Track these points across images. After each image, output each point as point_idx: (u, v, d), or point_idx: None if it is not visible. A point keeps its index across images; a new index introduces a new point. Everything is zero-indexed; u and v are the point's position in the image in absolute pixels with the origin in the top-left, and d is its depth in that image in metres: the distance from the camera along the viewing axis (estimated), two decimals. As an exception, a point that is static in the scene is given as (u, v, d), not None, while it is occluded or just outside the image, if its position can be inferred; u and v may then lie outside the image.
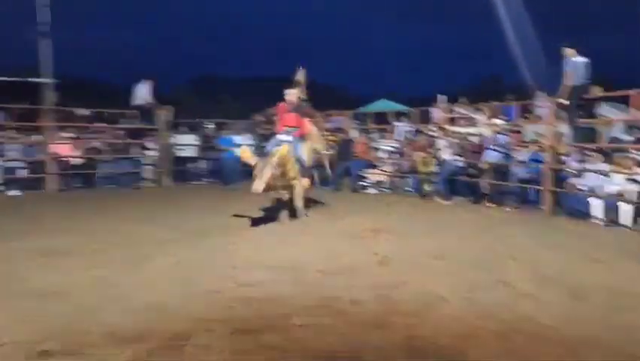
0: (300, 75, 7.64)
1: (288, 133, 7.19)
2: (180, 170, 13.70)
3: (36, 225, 7.10)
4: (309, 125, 7.62)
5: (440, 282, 4.44)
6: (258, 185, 6.22)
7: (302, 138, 7.45)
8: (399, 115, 13.67)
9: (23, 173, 11.61)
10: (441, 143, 10.72)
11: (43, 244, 5.75)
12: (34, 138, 12.04)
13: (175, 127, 13.93)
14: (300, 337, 3.28)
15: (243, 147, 7.84)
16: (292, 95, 7.44)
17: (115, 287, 4.20)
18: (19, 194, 11.00)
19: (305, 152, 7.42)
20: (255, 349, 3.09)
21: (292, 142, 7.06)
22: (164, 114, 13.26)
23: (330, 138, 12.21)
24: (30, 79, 12.64)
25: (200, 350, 3.05)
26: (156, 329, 3.31)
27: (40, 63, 12.57)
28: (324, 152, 8.43)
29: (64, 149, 11.91)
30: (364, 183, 11.86)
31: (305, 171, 7.35)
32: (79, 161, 12.14)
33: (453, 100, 12.59)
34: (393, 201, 10.09)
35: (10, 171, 11.41)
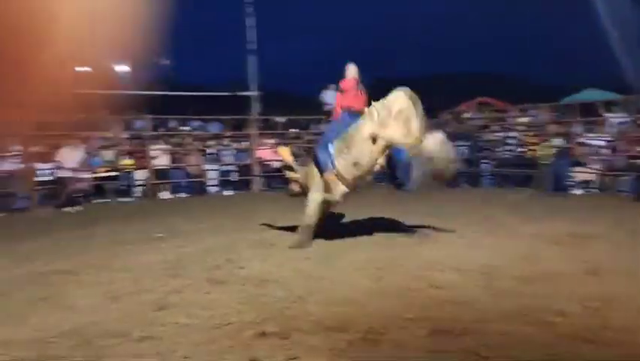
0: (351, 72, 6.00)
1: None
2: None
3: (247, 220, 8.07)
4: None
5: (668, 298, 3.82)
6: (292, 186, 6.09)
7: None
8: (609, 105, 12.08)
9: (235, 175, 13.32)
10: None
11: (254, 237, 6.58)
12: (243, 144, 13.72)
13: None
14: (499, 344, 3.13)
15: (281, 146, 7.08)
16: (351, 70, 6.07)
17: (316, 279, 4.54)
18: (232, 193, 12.67)
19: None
20: (451, 351, 3.05)
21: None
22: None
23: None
24: (239, 92, 14.47)
25: (396, 346, 3.12)
26: (355, 321, 3.49)
27: (248, 77, 14.31)
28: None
29: (267, 153, 13.30)
30: (569, 183, 10.77)
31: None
32: (279, 164, 13.44)
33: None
34: (603, 204, 8.99)
35: (226, 173, 13.19)
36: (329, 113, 13.92)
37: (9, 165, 10.71)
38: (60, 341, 3.28)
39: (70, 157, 10.88)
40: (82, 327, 3.51)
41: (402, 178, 5.81)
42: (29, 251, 6.20)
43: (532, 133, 12.32)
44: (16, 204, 10.66)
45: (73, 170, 10.86)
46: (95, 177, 12.07)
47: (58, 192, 10.68)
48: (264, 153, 13.34)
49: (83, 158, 11.17)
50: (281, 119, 15.11)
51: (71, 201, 10.68)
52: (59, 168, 10.74)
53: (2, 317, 3.80)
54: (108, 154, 12.63)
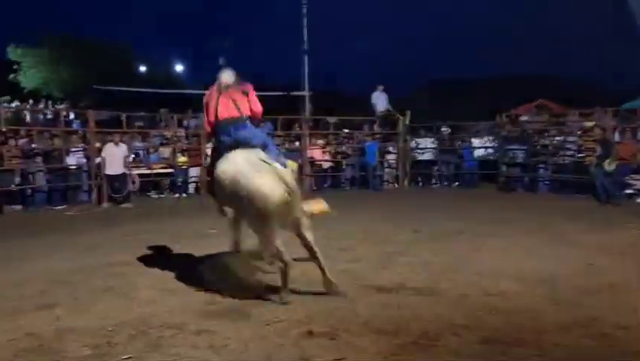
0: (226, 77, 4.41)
1: (235, 127, 4.27)
2: (419, 173, 14.02)
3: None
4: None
5: None
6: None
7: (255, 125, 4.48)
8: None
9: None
10: None
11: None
12: (294, 144, 13.86)
13: (413, 131, 14.29)
14: (555, 356, 3.03)
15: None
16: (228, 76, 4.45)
17: (368, 281, 4.52)
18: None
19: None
20: (505, 361, 2.98)
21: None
22: (403, 119, 13.74)
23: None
24: (292, 92, 14.67)
25: (449, 353, 3.07)
26: (407, 325, 3.45)
27: (301, 78, 14.48)
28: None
29: (317, 153, 13.38)
30: (630, 191, 10.25)
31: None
32: (329, 164, 13.52)
33: None
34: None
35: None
36: (380, 116, 13.94)
37: (74, 160, 11.27)
38: (121, 330, 3.43)
39: (115, 153, 11.00)
40: (141, 317, 3.66)
41: None
42: (93, 244, 6.52)
43: (592, 139, 11.78)
44: (79, 197, 11.22)
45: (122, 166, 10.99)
46: (153, 173, 12.53)
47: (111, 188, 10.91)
48: (315, 153, 13.43)
49: (127, 154, 11.25)
50: (332, 120, 15.18)
51: (121, 197, 10.89)
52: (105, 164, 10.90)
53: (69, 305, 4.02)
54: (165, 151, 13.08)
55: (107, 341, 3.27)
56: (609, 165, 9.70)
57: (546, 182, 12.57)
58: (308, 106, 14.42)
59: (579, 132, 12.28)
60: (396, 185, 13.70)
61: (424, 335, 3.30)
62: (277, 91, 16.57)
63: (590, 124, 12.03)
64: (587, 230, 6.92)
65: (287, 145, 13.75)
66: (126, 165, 11.16)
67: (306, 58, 14.45)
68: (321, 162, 13.48)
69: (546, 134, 13.16)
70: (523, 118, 14.57)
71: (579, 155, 11.92)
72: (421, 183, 14.15)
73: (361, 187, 13.20)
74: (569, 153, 12.16)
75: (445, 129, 14.52)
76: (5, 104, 17.02)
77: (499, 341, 3.21)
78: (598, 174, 9.89)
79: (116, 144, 11.07)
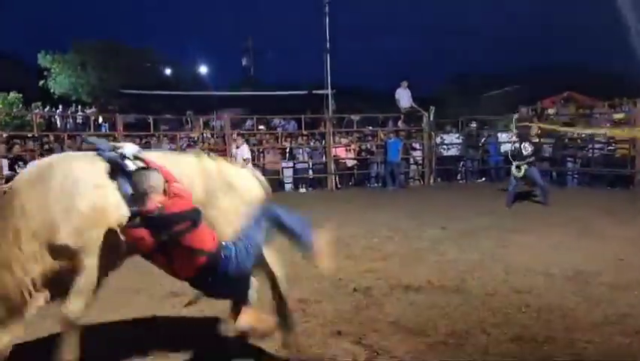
0: None
1: None
2: (445, 169, 13.90)
3: (324, 218, 8.16)
4: None
5: None
6: None
7: None
8: None
9: (309, 173, 13.52)
10: None
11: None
12: (318, 143, 13.90)
13: (439, 127, 14.16)
14: (587, 354, 3.01)
15: None
16: None
17: (392, 278, 4.54)
18: (306, 191, 12.87)
19: None
20: (535, 360, 2.98)
21: None
22: (427, 115, 13.62)
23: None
24: (315, 91, 14.69)
25: (478, 351, 3.07)
26: (435, 324, 3.47)
27: (324, 77, 14.50)
28: None
29: (342, 151, 13.39)
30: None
31: None
32: (353, 162, 13.53)
33: None
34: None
35: (300, 171, 13.44)
36: (405, 112, 13.86)
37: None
38: (151, 332, 3.53)
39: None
40: (171, 320, 3.78)
41: None
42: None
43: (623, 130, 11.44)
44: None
45: None
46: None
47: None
48: (340, 151, 13.44)
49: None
50: (356, 117, 15.14)
51: None
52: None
53: (99, 305, 4.07)
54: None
55: (136, 342, 3.34)
56: None
57: (575, 175, 12.32)
58: (331, 104, 14.41)
59: (608, 124, 11.99)
60: (421, 181, 13.61)
61: (453, 333, 3.32)
62: (301, 90, 16.62)
63: (619, 116, 11.75)
64: (618, 224, 6.77)
65: (311, 143, 13.81)
66: None
67: (328, 56, 14.45)
68: (346, 160, 13.47)
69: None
70: (550, 111, 14.30)
71: (608, 147, 11.65)
72: (446, 179, 14.03)
73: (385, 184, 13.17)
74: (598, 145, 11.88)
75: (472, 125, 14.35)
76: (38, 110, 17.45)
77: (529, 339, 3.21)
78: None
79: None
